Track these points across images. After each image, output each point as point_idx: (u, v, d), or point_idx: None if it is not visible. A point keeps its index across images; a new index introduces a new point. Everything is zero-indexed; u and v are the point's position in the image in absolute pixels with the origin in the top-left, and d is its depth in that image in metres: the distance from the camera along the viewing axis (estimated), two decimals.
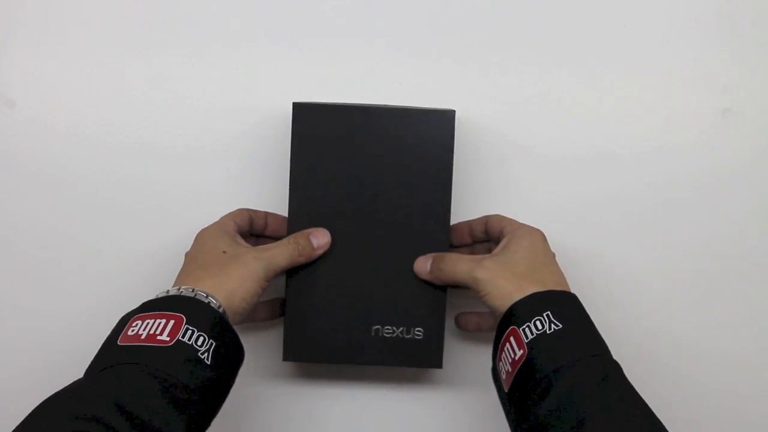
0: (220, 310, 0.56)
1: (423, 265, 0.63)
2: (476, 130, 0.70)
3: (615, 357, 0.56)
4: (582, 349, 0.54)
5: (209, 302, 0.55)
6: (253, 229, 0.67)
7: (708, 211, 0.71)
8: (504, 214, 0.66)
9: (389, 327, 0.64)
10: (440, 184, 0.64)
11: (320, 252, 0.63)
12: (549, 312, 0.55)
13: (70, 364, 0.54)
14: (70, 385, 0.51)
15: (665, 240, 0.70)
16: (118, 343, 0.53)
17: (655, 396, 0.53)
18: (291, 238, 0.63)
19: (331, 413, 0.71)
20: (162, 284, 0.59)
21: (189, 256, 0.62)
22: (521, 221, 0.65)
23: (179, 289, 0.56)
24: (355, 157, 0.64)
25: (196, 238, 0.63)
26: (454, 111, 0.64)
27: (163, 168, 0.70)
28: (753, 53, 0.70)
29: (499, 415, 0.58)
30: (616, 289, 0.70)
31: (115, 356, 0.52)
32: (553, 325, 0.54)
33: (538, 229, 0.63)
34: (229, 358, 0.56)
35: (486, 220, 0.66)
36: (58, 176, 0.69)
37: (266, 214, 0.68)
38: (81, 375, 0.53)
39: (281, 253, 0.61)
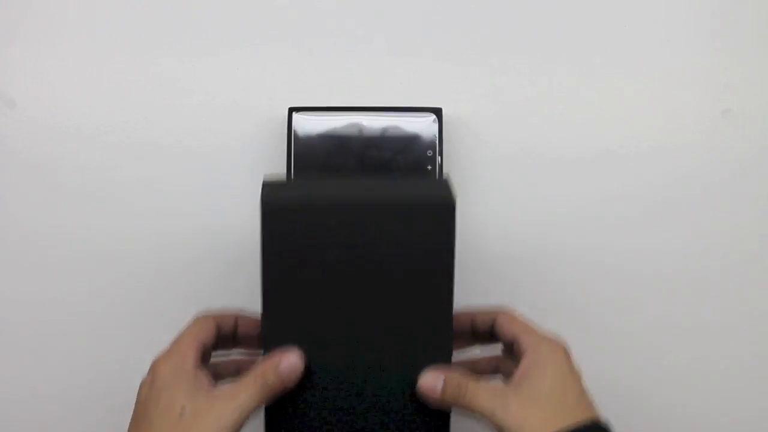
0: None
1: (432, 384, 0.53)
2: (475, 130, 0.70)
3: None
4: None
5: None
6: (221, 334, 0.57)
7: (708, 211, 0.71)
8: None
9: None
10: (440, 290, 0.53)
11: (293, 382, 0.53)
12: None
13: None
14: None
15: (664, 240, 0.70)
16: None
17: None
18: (258, 373, 0.53)
19: None
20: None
21: (140, 409, 0.53)
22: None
23: None
24: (338, 261, 0.53)
25: (150, 371, 0.54)
26: (454, 204, 0.52)
27: (163, 168, 0.69)
28: (753, 53, 0.70)
29: None
30: (615, 290, 0.70)
31: None
32: None
33: (560, 345, 0.54)
34: None
35: (494, 318, 0.57)
36: (58, 176, 0.69)
37: (236, 316, 0.58)
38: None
39: (250, 398, 0.51)
